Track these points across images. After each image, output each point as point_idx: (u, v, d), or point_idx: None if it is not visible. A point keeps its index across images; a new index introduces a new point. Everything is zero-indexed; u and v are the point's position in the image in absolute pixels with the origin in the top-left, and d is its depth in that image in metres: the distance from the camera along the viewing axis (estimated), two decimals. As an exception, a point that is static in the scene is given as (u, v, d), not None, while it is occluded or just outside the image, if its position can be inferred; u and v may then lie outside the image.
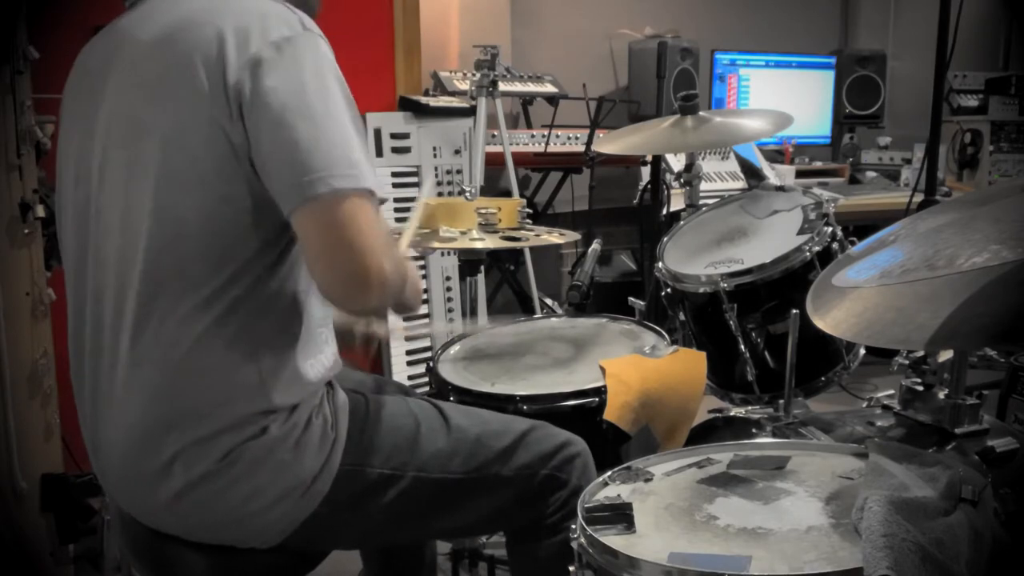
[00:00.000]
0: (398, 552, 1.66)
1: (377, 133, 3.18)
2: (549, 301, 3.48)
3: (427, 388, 1.75)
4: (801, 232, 1.92)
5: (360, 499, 1.27)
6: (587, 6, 4.32)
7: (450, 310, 3.28)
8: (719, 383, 2.02)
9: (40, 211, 2.01)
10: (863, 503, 1.05)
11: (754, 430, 1.84)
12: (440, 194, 3.26)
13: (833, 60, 4.41)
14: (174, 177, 1.15)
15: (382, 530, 1.33)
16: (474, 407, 1.46)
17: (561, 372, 1.72)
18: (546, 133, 3.63)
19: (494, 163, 3.29)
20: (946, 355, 1.71)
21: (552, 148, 3.64)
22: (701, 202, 2.28)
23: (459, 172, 3.31)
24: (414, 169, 3.23)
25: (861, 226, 3.29)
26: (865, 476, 1.17)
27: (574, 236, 1.83)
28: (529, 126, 4.04)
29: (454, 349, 1.89)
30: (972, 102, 4.29)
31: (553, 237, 1.80)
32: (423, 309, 3.23)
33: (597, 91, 3.84)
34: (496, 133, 3.34)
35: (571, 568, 1.12)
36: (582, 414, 1.57)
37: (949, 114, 4.17)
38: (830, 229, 1.91)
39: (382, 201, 1.18)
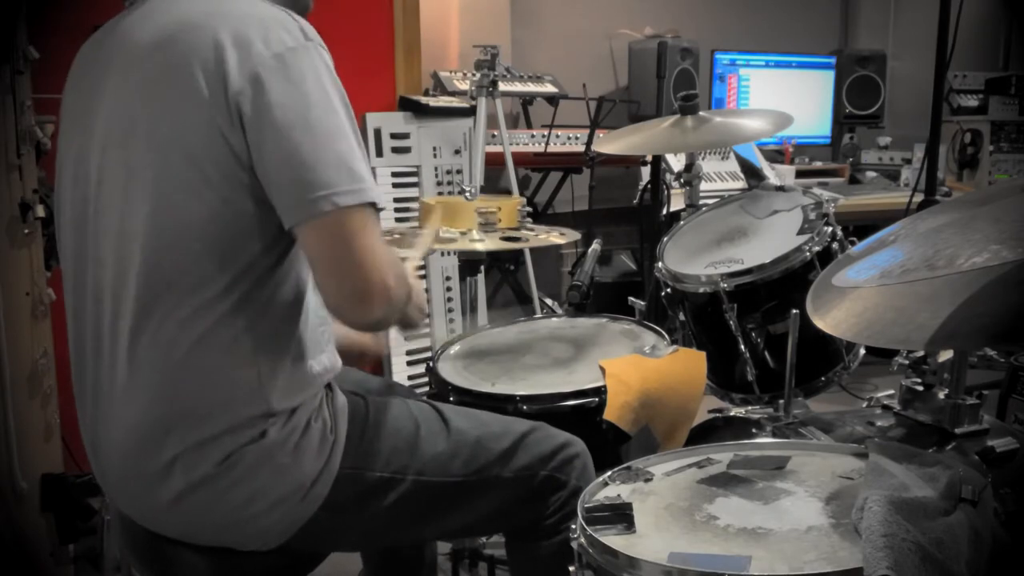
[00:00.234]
0: (398, 553, 1.66)
1: (377, 133, 3.18)
2: (549, 301, 3.48)
3: (427, 388, 1.75)
4: (801, 232, 1.92)
5: (360, 502, 1.27)
6: (587, 6, 4.32)
7: (450, 310, 3.28)
8: (719, 383, 2.01)
9: (40, 211, 2.00)
10: (863, 503, 1.05)
11: (754, 430, 1.83)
12: (440, 194, 3.26)
13: (833, 60, 4.41)
14: (173, 179, 1.15)
15: (382, 532, 1.33)
16: (473, 408, 1.46)
17: (561, 372, 1.72)
18: (546, 133, 3.63)
19: (494, 163, 3.29)
20: (946, 355, 1.71)
21: (552, 148, 3.64)
22: (701, 202, 2.28)
23: (459, 172, 3.31)
24: (414, 169, 3.23)
25: (861, 226, 3.29)
26: (865, 476, 1.17)
27: (574, 236, 1.83)
28: (529, 126, 4.04)
29: (454, 349, 1.89)
30: (972, 102, 4.28)
31: (553, 237, 1.80)
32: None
33: (597, 91, 3.84)
34: (496, 133, 3.34)
35: (571, 568, 1.12)
36: (582, 414, 1.57)
37: (949, 114, 4.17)
38: (830, 229, 1.91)
39: (381, 209, 1.18)
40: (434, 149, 3.27)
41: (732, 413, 2.00)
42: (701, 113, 2.17)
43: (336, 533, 1.28)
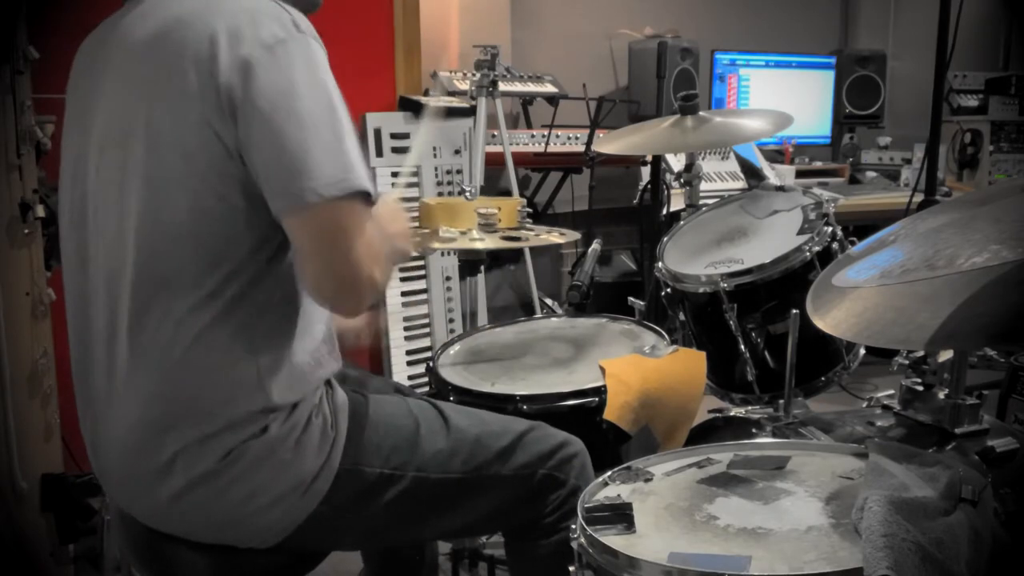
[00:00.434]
0: (399, 552, 1.66)
1: (377, 133, 3.17)
2: (549, 301, 3.48)
3: (427, 388, 1.75)
4: (801, 232, 1.92)
5: (360, 499, 1.27)
6: (587, 6, 4.32)
7: (450, 310, 3.28)
8: (719, 383, 2.02)
9: (40, 211, 2.01)
10: (863, 503, 1.05)
11: (754, 430, 1.84)
12: (440, 194, 3.26)
13: (833, 60, 4.41)
14: (167, 177, 1.15)
15: (381, 530, 1.33)
16: (473, 407, 1.46)
17: (561, 372, 1.72)
18: (546, 133, 3.63)
19: (494, 163, 3.29)
20: (946, 355, 1.71)
21: (552, 148, 3.64)
22: (701, 202, 2.28)
23: (459, 172, 3.31)
24: (414, 169, 3.23)
25: (861, 226, 3.29)
26: (865, 476, 1.17)
27: (574, 235, 1.83)
28: (529, 126, 4.03)
29: (454, 349, 1.89)
30: (972, 102, 4.28)
31: (553, 237, 1.80)
32: (423, 309, 3.24)
33: (597, 91, 3.84)
34: (496, 133, 3.34)
35: (571, 568, 1.12)
36: (582, 414, 1.57)
37: (949, 114, 4.17)
38: (830, 229, 1.91)
39: (374, 201, 1.18)
40: (434, 149, 3.27)
41: (732, 413, 2.00)
42: (701, 113, 2.17)
43: (336, 530, 1.28)
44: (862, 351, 2.01)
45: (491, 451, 1.36)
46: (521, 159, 3.56)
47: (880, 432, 1.75)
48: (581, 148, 3.59)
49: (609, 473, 1.28)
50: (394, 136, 3.20)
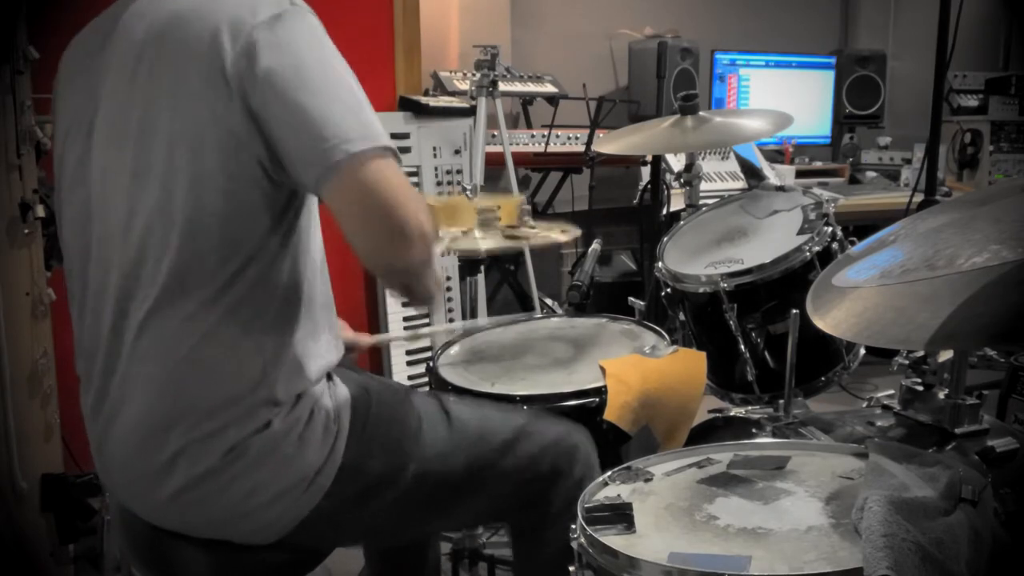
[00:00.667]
0: (401, 551, 1.66)
1: (377, 133, 3.17)
2: (549, 301, 3.48)
3: (427, 388, 1.75)
4: (801, 232, 1.92)
5: (362, 493, 1.27)
6: (587, 6, 4.32)
7: (450, 310, 3.28)
8: (719, 383, 2.02)
9: (40, 211, 2.00)
10: (863, 503, 1.05)
11: (754, 430, 1.84)
12: (440, 194, 3.26)
13: (833, 60, 4.41)
14: (175, 175, 1.15)
15: (384, 525, 1.33)
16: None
17: (561, 372, 1.72)
18: (546, 133, 3.63)
19: (494, 163, 3.28)
20: (946, 355, 1.71)
21: (552, 148, 3.64)
22: (701, 202, 2.28)
23: (459, 172, 3.31)
24: (414, 169, 3.23)
25: (861, 226, 3.29)
26: (865, 476, 1.17)
27: (576, 232, 1.83)
28: (529, 126, 4.03)
29: (454, 349, 1.89)
30: (972, 102, 4.28)
31: (555, 233, 1.79)
32: (423, 309, 3.23)
33: (597, 91, 3.84)
34: (496, 133, 3.34)
35: (571, 568, 1.12)
36: (582, 414, 1.57)
37: (949, 114, 4.17)
38: (830, 229, 1.91)
39: (396, 154, 1.18)
40: (434, 149, 3.27)
41: (732, 413, 2.00)
42: (701, 113, 2.17)
43: (339, 526, 1.28)
44: (862, 351, 2.01)
45: (494, 443, 1.36)
46: (521, 159, 3.56)
47: (880, 432, 1.76)
48: (581, 148, 3.59)
49: (609, 473, 1.28)
50: (394, 136, 3.19)
